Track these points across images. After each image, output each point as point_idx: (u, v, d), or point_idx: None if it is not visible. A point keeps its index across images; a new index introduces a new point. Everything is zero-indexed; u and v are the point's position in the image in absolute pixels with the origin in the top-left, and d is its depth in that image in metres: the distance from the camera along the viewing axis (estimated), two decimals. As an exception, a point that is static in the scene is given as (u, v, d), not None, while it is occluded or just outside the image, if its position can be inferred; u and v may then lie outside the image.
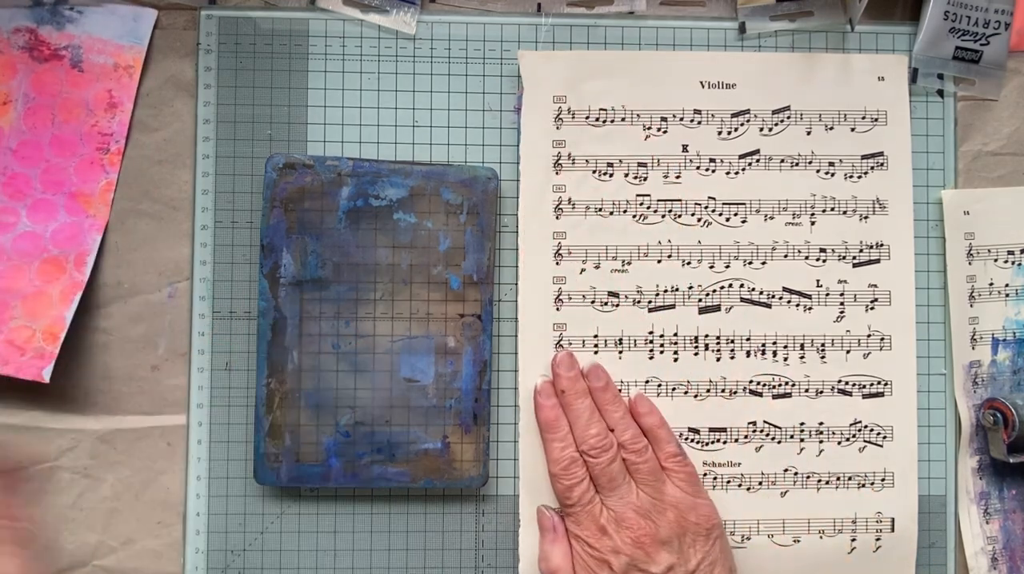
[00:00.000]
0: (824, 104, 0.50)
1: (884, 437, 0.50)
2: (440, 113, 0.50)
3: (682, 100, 0.50)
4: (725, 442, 0.50)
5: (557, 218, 0.50)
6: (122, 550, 0.49)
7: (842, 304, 0.50)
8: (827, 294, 0.50)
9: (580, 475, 0.47)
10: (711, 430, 0.50)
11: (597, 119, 0.50)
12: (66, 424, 0.49)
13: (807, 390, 0.50)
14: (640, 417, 0.48)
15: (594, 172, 0.50)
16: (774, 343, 0.50)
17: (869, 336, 0.50)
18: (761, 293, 0.50)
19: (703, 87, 0.50)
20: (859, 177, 0.50)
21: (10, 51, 0.48)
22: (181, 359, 0.49)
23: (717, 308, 0.50)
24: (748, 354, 0.50)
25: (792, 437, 0.50)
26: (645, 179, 0.50)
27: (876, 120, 0.50)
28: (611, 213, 0.50)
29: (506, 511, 0.50)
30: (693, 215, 0.50)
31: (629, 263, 0.50)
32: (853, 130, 0.50)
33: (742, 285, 0.50)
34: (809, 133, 0.50)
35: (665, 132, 0.50)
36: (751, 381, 0.50)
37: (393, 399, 0.48)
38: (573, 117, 0.50)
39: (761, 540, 0.49)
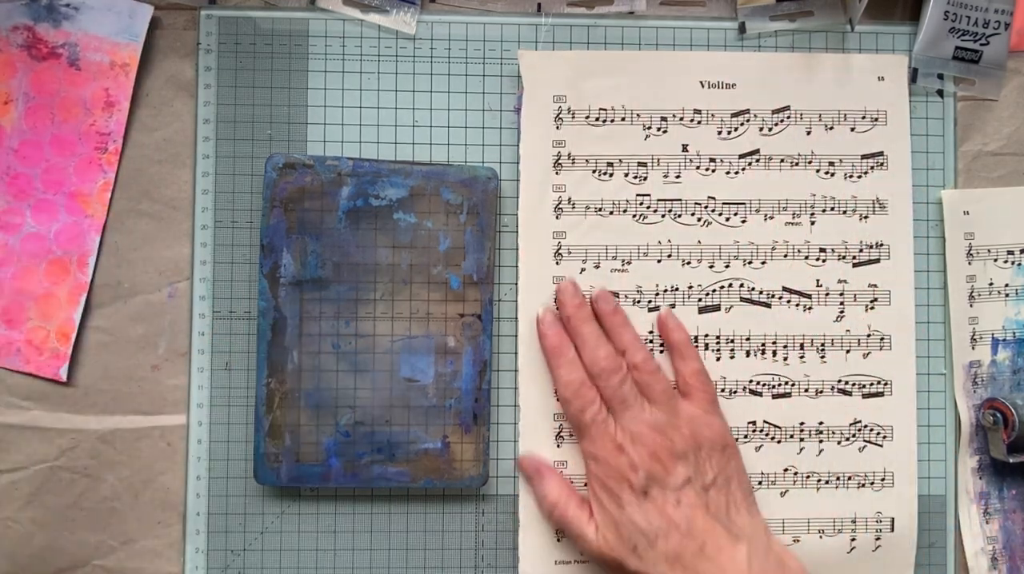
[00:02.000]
0: (824, 104, 0.50)
1: (884, 437, 0.50)
2: (440, 113, 0.50)
3: (682, 100, 0.50)
4: (725, 442, 0.50)
5: (557, 218, 0.50)
6: (122, 550, 0.49)
7: (842, 304, 0.50)
8: (827, 294, 0.50)
9: (591, 397, 0.46)
10: (711, 430, 0.50)
11: (597, 119, 0.50)
12: (66, 424, 0.48)
13: (807, 390, 0.50)
14: (669, 332, 0.48)
15: (594, 172, 0.50)
16: (774, 343, 0.50)
17: (869, 336, 0.50)
18: (761, 293, 0.50)
19: (703, 87, 0.50)
20: (859, 177, 0.50)
21: (9, 50, 0.48)
22: (181, 359, 0.49)
23: (717, 308, 0.50)
24: (748, 354, 0.50)
25: (792, 437, 0.50)
26: (645, 179, 0.50)
27: (876, 120, 0.50)
28: (611, 213, 0.50)
29: (506, 511, 0.50)
30: (693, 215, 0.50)
31: (629, 263, 0.50)
32: (853, 130, 0.50)
33: (742, 285, 0.50)
34: (809, 133, 0.50)
35: (665, 132, 0.50)
36: (751, 381, 0.50)
37: (393, 399, 0.48)
38: (573, 117, 0.50)
39: (761, 540, 0.49)
